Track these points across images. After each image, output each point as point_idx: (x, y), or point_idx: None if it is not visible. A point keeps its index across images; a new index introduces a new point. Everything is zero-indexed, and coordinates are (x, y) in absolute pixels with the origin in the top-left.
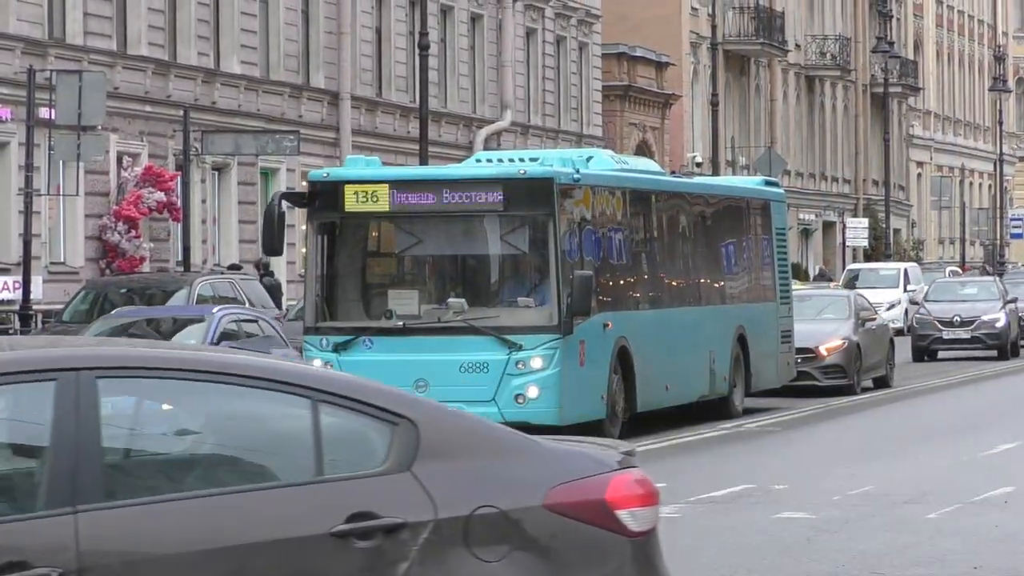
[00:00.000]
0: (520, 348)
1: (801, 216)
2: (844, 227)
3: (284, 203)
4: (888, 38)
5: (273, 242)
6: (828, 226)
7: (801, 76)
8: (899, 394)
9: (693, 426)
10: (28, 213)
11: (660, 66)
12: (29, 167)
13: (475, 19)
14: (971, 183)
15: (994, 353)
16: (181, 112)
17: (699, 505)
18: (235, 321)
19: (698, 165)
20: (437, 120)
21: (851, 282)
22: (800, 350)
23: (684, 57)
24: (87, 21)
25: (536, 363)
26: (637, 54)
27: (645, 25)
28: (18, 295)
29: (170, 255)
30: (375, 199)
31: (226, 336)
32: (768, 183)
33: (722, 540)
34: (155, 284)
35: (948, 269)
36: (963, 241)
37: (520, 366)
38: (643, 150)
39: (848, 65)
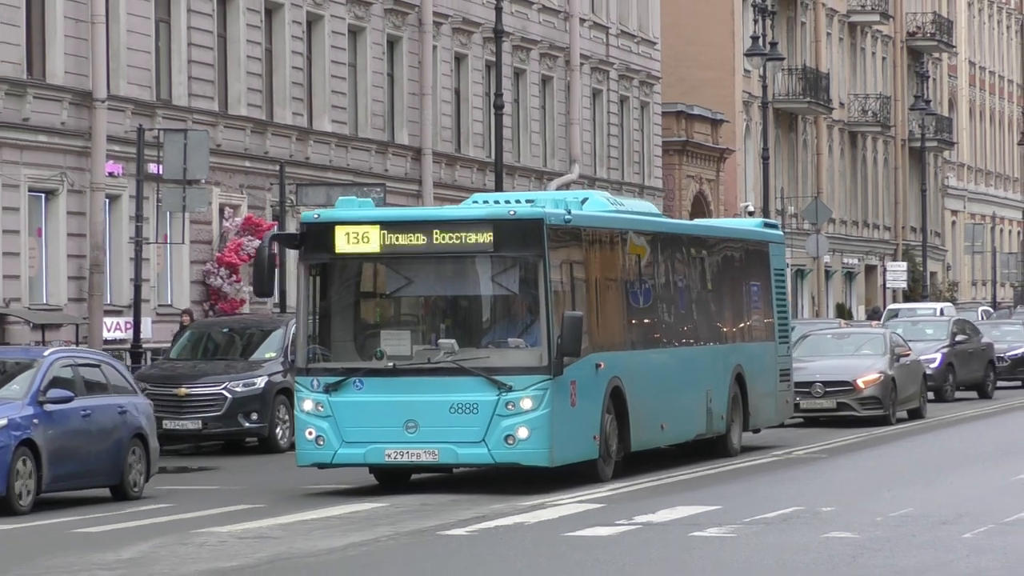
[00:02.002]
0: (510, 389)
1: (845, 260)
2: (885, 270)
3: (275, 244)
4: (925, 97)
5: (263, 283)
6: (870, 269)
7: (845, 132)
8: (932, 424)
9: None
10: (138, 260)
11: (715, 123)
12: (139, 218)
13: (545, 81)
14: (1001, 229)
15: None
16: (277, 167)
17: (753, 526)
18: (70, 365)
19: (750, 214)
20: (511, 173)
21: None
22: (839, 383)
23: (737, 115)
24: (191, 84)
25: (526, 404)
26: (694, 112)
27: (701, 86)
28: (129, 334)
29: (268, 298)
30: (366, 240)
31: (58, 383)
32: (767, 225)
33: (774, 558)
34: (254, 324)
35: (980, 309)
36: (994, 283)
37: (510, 407)
38: (700, 200)
39: (888, 122)
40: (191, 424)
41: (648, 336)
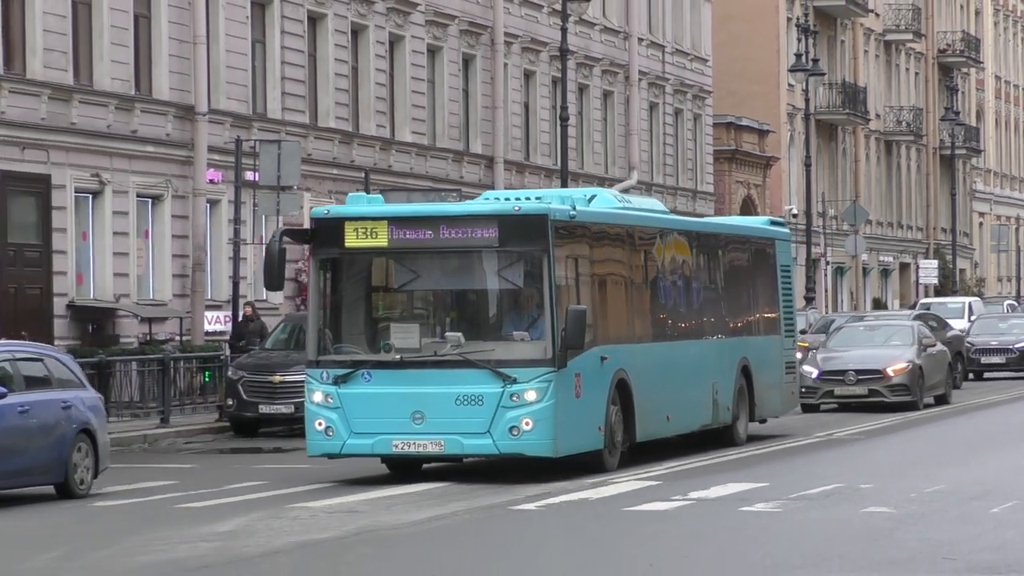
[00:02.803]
0: (515, 381)
1: (881, 258)
2: (917, 267)
3: (285, 239)
4: (954, 108)
5: (273, 278)
6: (904, 266)
7: (881, 141)
8: (958, 409)
9: (790, 436)
10: (236, 259)
11: (762, 133)
12: (237, 220)
13: (607, 95)
14: None
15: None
16: (363, 174)
17: (798, 501)
18: (8, 360)
19: (794, 216)
20: (575, 180)
21: None
22: (870, 371)
23: (782, 125)
24: (284, 99)
25: (530, 396)
26: (743, 123)
27: (749, 99)
28: (228, 327)
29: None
30: (374, 235)
31: None
32: (773, 223)
33: (817, 530)
34: None
35: (1006, 303)
36: (1019, 279)
37: (515, 399)
38: (748, 204)
39: (920, 131)
40: (284, 408)
41: (654, 330)
